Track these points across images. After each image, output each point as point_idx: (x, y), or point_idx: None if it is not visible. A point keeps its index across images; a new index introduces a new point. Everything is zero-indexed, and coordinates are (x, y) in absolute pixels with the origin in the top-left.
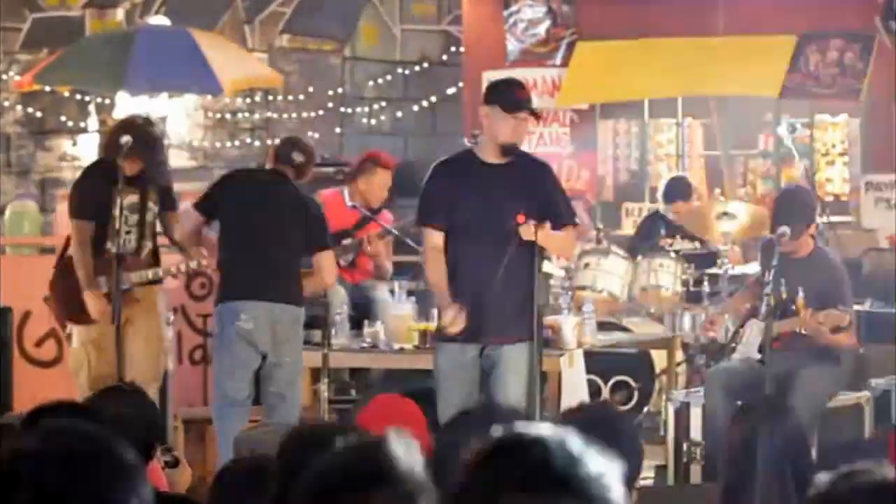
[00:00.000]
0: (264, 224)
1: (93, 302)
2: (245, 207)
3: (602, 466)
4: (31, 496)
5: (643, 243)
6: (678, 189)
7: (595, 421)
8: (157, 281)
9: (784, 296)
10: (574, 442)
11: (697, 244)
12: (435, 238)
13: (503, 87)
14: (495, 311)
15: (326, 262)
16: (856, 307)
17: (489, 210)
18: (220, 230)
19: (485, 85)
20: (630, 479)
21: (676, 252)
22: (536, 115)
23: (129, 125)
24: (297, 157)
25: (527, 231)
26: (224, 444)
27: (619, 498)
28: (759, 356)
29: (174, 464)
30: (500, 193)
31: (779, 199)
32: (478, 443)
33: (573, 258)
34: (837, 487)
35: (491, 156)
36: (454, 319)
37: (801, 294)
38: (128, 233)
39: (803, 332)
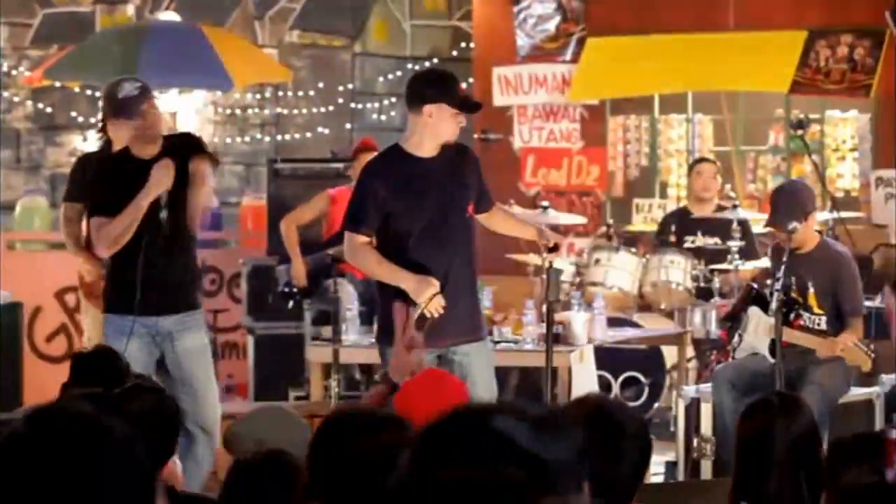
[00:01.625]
0: None
1: (85, 264)
2: None
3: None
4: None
5: (657, 241)
6: (701, 158)
7: (601, 414)
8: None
9: (794, 292)
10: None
11: (718, 240)
12: (362, 239)
13: (443, 84)
14: (461, 311)
15: None
16: (867, 303)
17: (444, 207)
18: None
19: (496, 80)
20: (637, 473)
21: (697, 248)
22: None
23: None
24: None
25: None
26: None
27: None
28: (772, 360)
29: None
30: (449, 188)
31: (775, 194)
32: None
33: (585, 252)
34: (850, 485)
35: (427, 151)
36: (434, 295)
37: (811, 289)
38: None
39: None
